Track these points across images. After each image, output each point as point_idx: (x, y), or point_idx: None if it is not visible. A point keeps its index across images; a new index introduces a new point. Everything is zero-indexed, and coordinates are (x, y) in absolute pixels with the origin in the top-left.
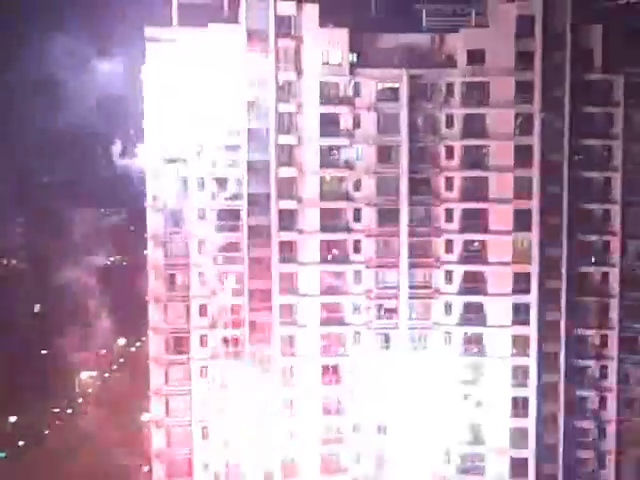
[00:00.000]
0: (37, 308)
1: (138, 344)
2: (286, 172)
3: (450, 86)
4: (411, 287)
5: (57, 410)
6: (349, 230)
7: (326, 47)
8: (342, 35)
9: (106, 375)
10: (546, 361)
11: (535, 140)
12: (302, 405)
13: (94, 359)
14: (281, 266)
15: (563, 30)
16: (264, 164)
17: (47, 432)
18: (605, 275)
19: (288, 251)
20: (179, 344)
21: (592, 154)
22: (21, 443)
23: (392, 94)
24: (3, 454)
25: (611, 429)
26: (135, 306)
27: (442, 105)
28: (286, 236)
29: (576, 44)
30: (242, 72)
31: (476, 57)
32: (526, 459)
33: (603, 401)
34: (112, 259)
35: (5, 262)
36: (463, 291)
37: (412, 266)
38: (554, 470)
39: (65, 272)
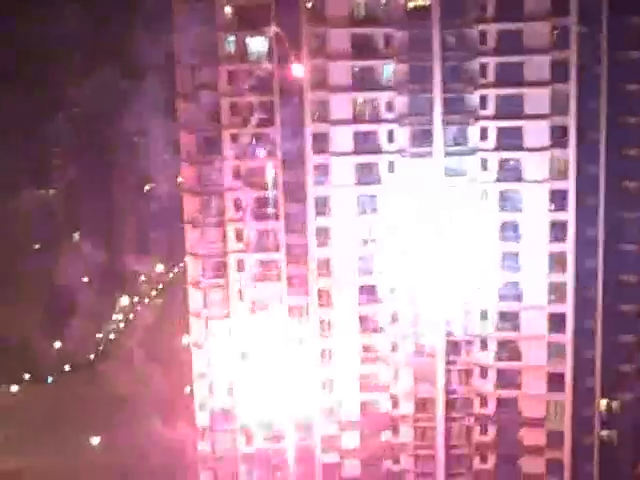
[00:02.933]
0: (76, 237)
1: (176, 270)
2: (317, 95)
3: (483, 2)
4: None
5: (100, 336)
6: (382, 152)
7: None
8: None
9: (146, 301)
10: None
11: (572, 54)
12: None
13: (134, 285)
14: (316, 189)
15: None
16: (296, 87)
17: (92, 357)
18: None
19: (322, 174)
20: (217, 268)
21: (633, 66)
22: (67, 368)
23: (423, 12)
24: (50, 379)
25: None
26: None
27: (475, 22)
28: (319, 159)
29: None
30: None
31: None
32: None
33: None
34: (147, 187)
35: (43, 191)
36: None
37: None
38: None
39: (102, 200)
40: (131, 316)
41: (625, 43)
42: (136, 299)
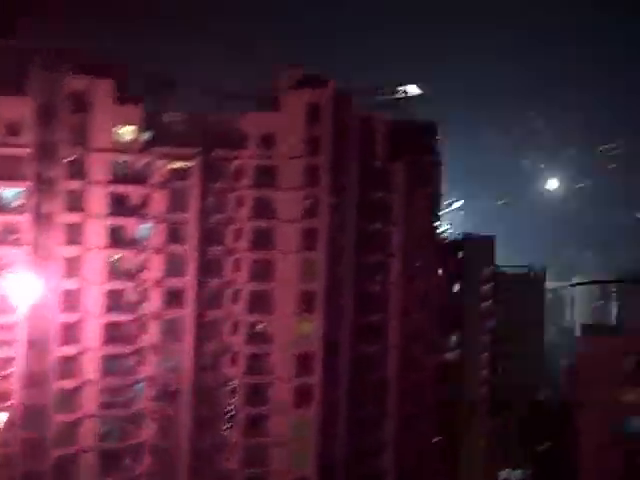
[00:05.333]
0: None
1: None
2: (71, 251)
3: (241, 167)
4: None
5: None
6: (136, 311)
7: (118, 124)
8: (135, 112)
9: None
10: None
11: (322, 223)
12: None
13: None
14: (63, 349)
15: (350, 118)
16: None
17: None
18: None
19: (70, 329)
20: None
21: (375, 237)
22: None
23: (184, 173)
24: None
25: None
26: None
27: (233, 186)
28: (68, 317)
29: (362, 131)
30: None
31: (267, 140)
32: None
33: None
34: None
35: None
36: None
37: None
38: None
39: None
40: None
41: (370, 216)
42: None
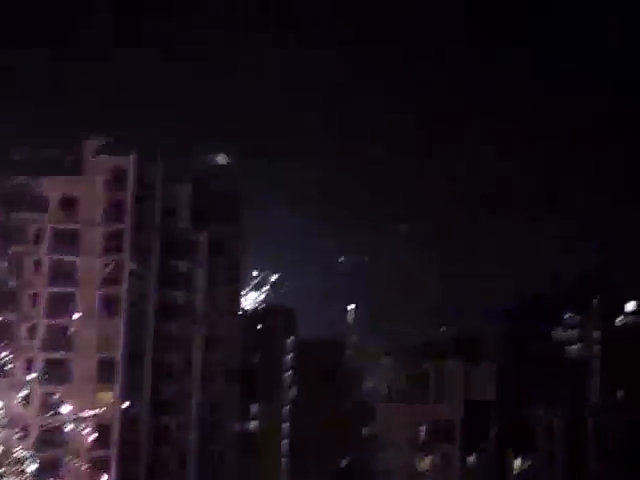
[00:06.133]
0: None
1: None
2: None
3: (40, 230)
4: None
5: None
6: None
7: None
8: None
9: None
10: None
11: (123, 289)
12: None
13: None
14: None
15: (154, 186)
16: None
17: None
18: None
19: None
20: None
21: (177, 306)
22: None
23: None
24: None
25: None
26: None
27: (30, 249)
28: None
29: (166, 200)
30: None
31: (68, 204)
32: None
33: None
34: None
35: None
36: None
37: None
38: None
39: None
40: None
41: (172, 284)
42: None
